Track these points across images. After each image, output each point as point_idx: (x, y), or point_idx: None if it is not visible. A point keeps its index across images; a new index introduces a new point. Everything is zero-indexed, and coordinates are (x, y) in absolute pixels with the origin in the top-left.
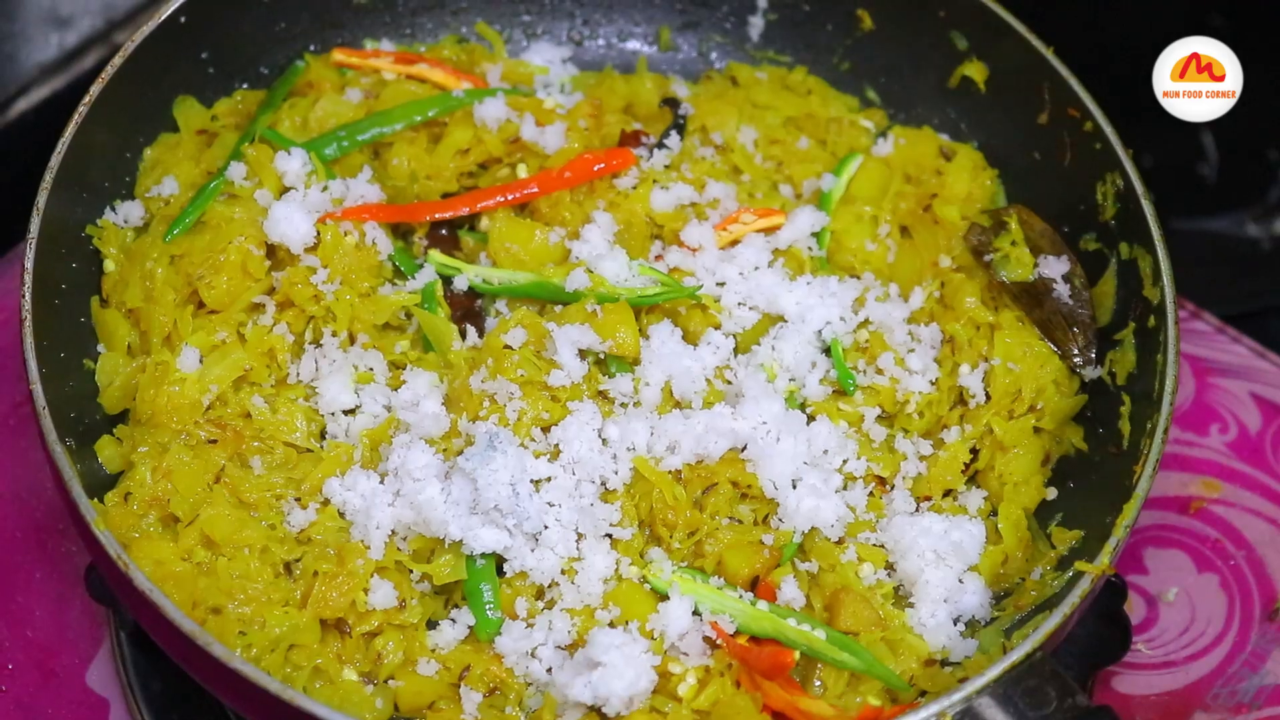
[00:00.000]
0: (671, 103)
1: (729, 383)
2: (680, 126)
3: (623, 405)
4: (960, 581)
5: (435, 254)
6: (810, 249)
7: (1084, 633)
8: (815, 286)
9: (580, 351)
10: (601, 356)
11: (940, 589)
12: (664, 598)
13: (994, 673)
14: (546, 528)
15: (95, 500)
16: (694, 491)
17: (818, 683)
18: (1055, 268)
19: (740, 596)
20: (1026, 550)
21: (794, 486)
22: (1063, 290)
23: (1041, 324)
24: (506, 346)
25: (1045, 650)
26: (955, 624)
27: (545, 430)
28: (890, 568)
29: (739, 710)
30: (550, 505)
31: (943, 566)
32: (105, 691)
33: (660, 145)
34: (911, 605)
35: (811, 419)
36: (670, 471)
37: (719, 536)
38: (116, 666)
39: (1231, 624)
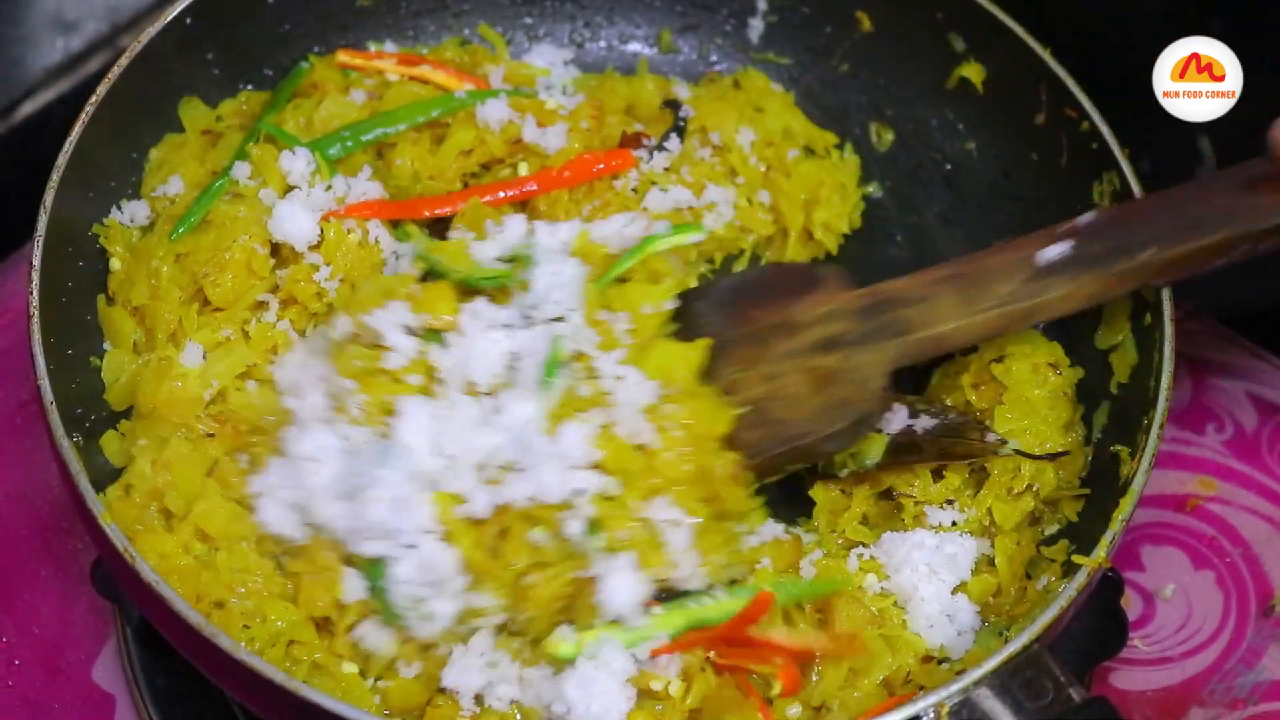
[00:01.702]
0: (673, 105)
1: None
2: (681, 129)
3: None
4: (952, 596)
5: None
6: None
7: (1081, 628)
8: None
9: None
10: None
11: (935, 605)
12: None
13: (991, 664)
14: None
15: (101, 494)
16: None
17: (815, 676)
18: (899, 419)
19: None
20: (1019, 584)
21: None
22: (927, 425)
23: (945, 455)
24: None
25: (1042, 643)
26: (951, 624)
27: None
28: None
29: (728, 701)
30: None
31: (935, 580)
32: (111, 687)
33: (660, 148)
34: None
35: None
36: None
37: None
38: (122, 662)
39: (1228, 620)
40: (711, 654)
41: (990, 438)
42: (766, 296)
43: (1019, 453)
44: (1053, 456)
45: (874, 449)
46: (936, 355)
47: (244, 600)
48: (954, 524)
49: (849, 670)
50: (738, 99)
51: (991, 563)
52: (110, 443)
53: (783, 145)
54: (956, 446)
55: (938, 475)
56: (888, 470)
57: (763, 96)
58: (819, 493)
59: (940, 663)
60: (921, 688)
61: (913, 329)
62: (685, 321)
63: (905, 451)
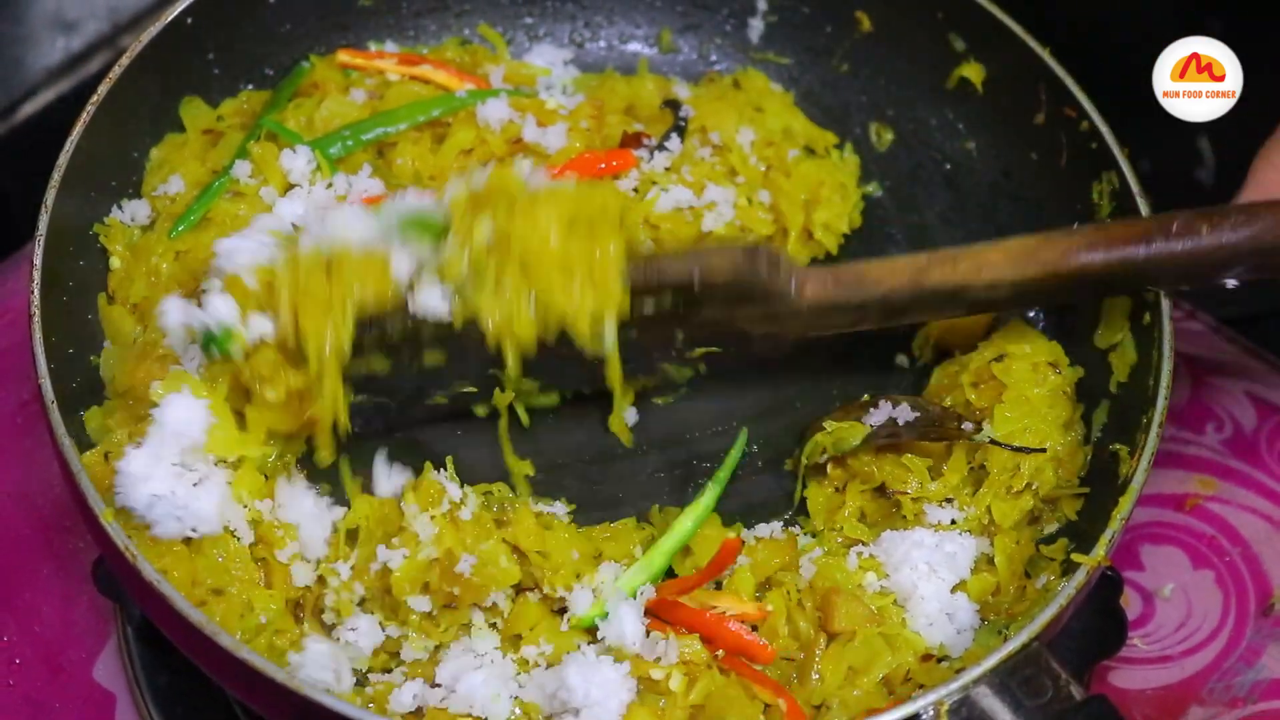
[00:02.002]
0: (673, 105)
1: None
2: (681, 129)
3: None
4: (952, 595)
5: None
6: None
7: (1080, 627)
8: None
9: None
10: None
11: (934, 603)
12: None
13: (991, 662)
14: None
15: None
16: None
17: (815, 675)
18: (882, 413)
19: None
20: (1018, 582)
21: None
22: (908, 417)
23: (923, 439)
24: None
25: (1042, 641)
26: (951, 622)
27: None
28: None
29: (732, 700)
30: None
31: (935, 579)
32: (112, 686)
33: (660, 147)
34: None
35: None
36: None
37: None
38: (123, 661)
39: (1227, 619)
40: (720, 653)
41: (966, 426)
42: None
43: (993, 442)
44: (1028, 450)
45: (853, 436)
46: (868, 293)
47: (229, 587)
48: (953, 522)
49: (848, 669)
50: (737, 99)
51: (991, 561)
52: (93, 419)
53: (783, 145)
54: (933, 434)
55: (935, 473)
56: (874, 456)
57: (763, 96)
58: (813, 491)
59: (940, 661)
60: (921, 686)
61: (839, 263)
62: None
63: (885, 437)
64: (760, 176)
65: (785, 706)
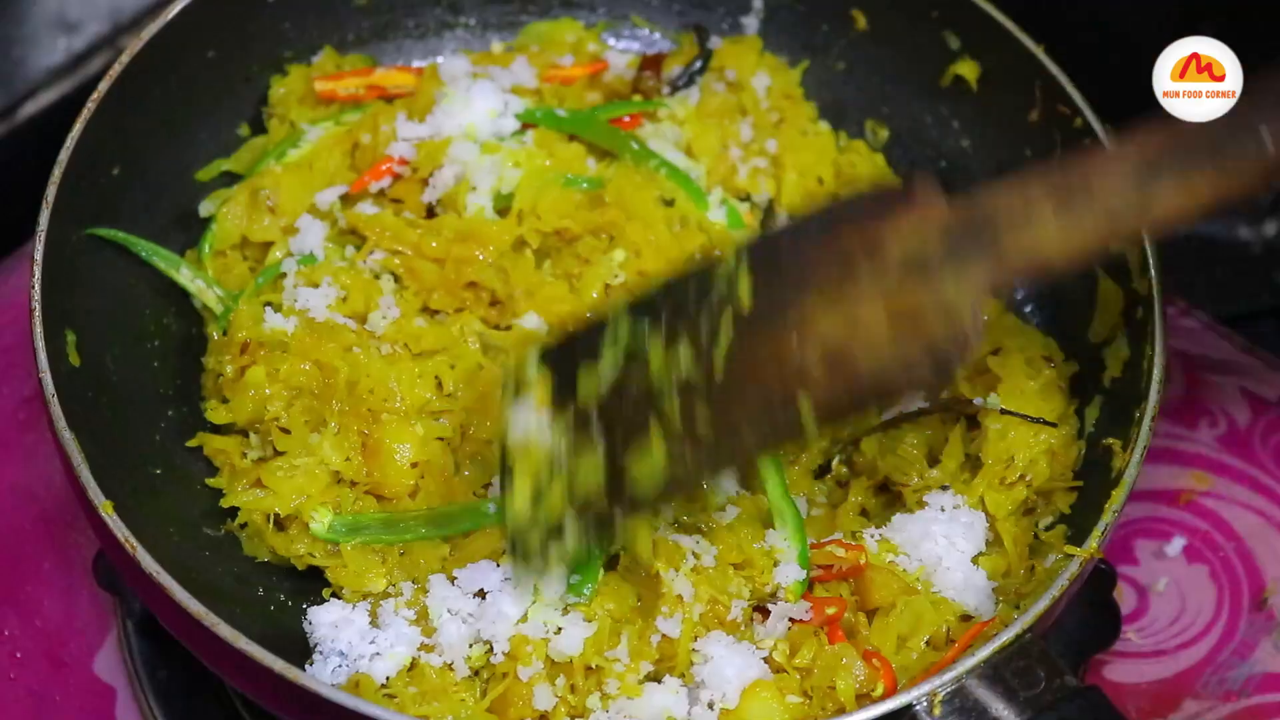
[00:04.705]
0: (700, 32)
1: None
2: (706, 56)
3: None
4: (973, 565)
5: None
6: None
7: (1074, 621)
8: None
9: None
10: None
11: (959, 572)
12: None
13: (984, 653)
14: None
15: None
16: None
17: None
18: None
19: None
20: (1026, 562)
21: None
22: (920, 404)
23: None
24: None
25: (1035, 632)
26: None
27: None
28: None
29: (836, 658)
30: None
31: (955, 550)
32: (112, 679)
33: (690, 80)
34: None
35: None
36: None
37: None
38: (123, 655)
39: (1221, 614)
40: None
41: (977, 401)
42: (858, 216)
43: (1004, 411)
44: (1038, 420)
45: (858, 426)
46: (1034, 277)
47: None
48: (955, 508)
49: (898, 638)
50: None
51: (998, 543)
52: None
53: (803, 104)
54: (941, 407)
55: (933, 461)
56: (878, 446)
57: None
58: (814, 487)
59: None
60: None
61: (1007, 248)
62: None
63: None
64: (771, 126)
65: (881, 667)
